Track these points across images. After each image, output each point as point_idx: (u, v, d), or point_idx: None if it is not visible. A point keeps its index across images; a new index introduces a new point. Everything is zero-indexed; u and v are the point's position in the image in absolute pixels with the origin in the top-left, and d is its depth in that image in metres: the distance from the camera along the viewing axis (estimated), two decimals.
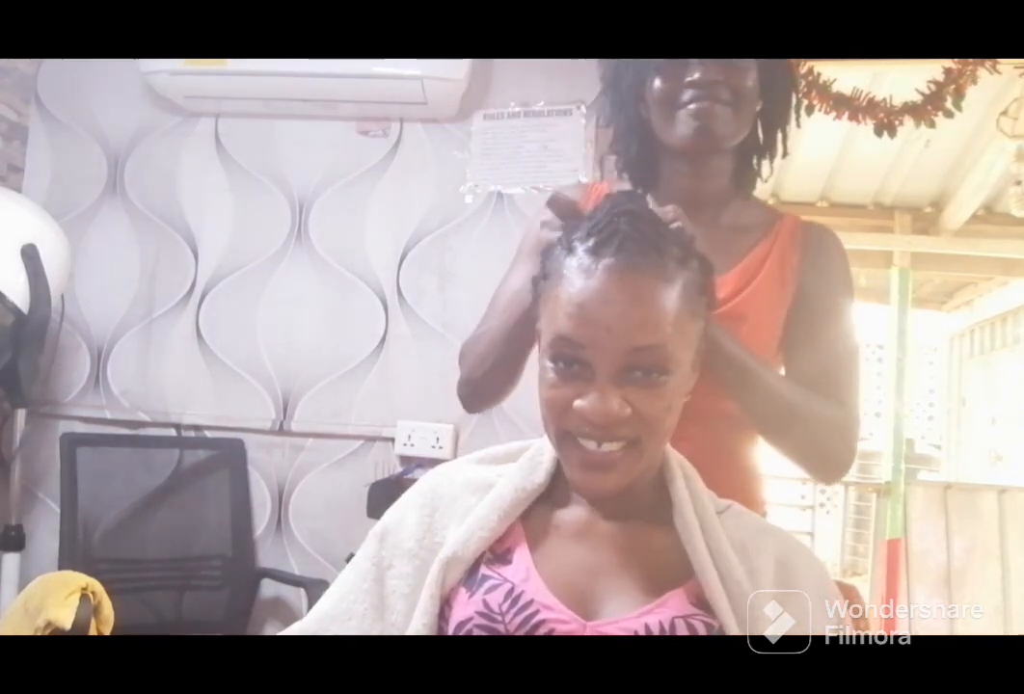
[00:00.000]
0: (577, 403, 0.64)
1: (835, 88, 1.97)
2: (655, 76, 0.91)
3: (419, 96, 1.85)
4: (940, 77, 1.94)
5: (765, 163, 1.00)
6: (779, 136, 0.99)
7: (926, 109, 1.95)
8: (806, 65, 1.93)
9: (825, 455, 0.91)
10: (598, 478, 0.66)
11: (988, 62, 1.85)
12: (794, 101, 0.99)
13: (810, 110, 1.97)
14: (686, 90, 0.89)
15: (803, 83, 1.94)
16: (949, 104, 1.94)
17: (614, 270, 0.64)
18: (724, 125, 0.90)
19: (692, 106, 0.89)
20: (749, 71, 0.90)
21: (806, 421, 0.88)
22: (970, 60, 1.85)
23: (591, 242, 0.66)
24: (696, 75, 0.88)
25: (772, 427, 0.91)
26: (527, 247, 0.99)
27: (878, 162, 3.62)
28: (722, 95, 0.88)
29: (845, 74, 2.01)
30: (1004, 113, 2.65)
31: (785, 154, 1.00)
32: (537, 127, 1.93)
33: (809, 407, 0.88)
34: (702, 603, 0.65)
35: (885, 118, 1.97)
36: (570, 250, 0.67)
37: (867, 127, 2.01)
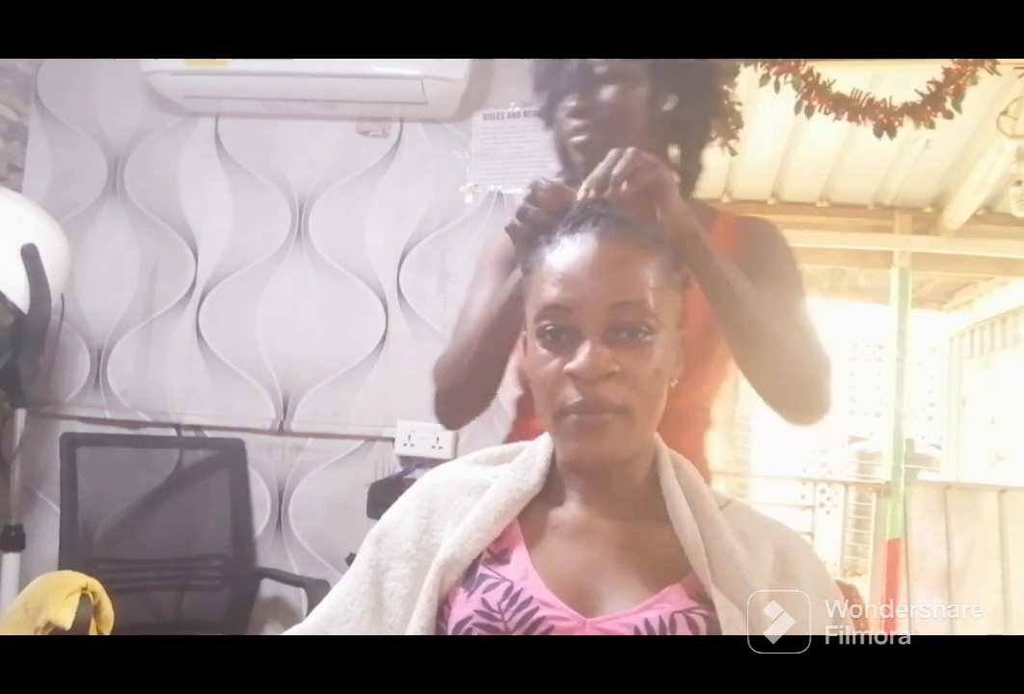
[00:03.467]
0: (568, 366, 0.65)
1: (835, 89, 1.97)
2: (556, 102, 0.93)
3: (419, 96, 1.85)
4: (940, 78, 1.94)
5: (700, 155, 0.99)
6: (705, 127, 0.98)
7: (925, 110, 1.95)
8: (806, 65, 1.93)
9: (802, 386, 0.88)
10: (593, 445, 0.66)
11: (988, 62, 1.85)
12: (719, 90, 0.98)
13: (810, 111, 1.97)
14: (568, 120, 0.91)
15: (803, 84, 1.94)
16: (949, 104, 1.94)
17: (593, 240, 0.68)
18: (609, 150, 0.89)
19: (574, 139, 0.91)
20: (633, 83, 0.89)
21: (780, 342, 0.86)
22: (970, 60, 1.85)
23: (569, 226, 0.70)
24: (571, 104, 0.89)
25: (749, 345, 0.87)
26: (488, 261, 1.01)
27: (878, 162, 3.62)
28: (598, 121, 0.89)
29: (845, 75, 2.01)
30: (1004, 113, 2.65)
31: (707, 142, 0.99)
32: (537, 127, 1.92)
33: (783, 329, 0.86)
34: (701, 596, 0.65)
35: (885, 119, 1.97)
36: (549, 241, 0.71)
37: (867, 128, 2.01)
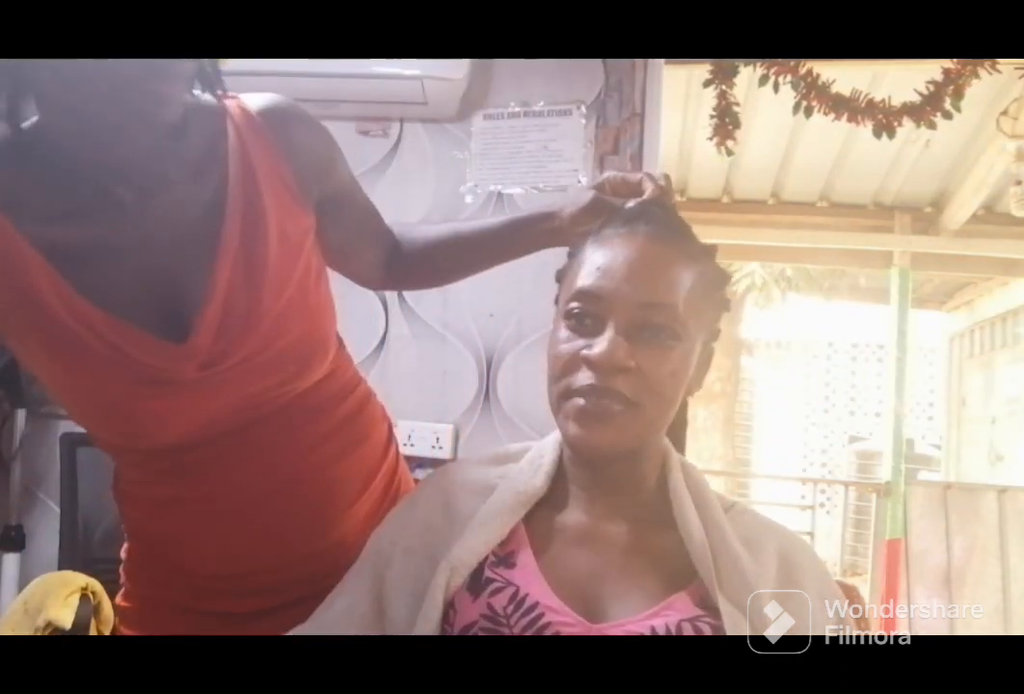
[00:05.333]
0: (584, 352, 0.66)
1: (834, 89, 1.97)
2: None
3: (419, 96, 1.85)
4: (939, 78, 1.94)
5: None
6: None
7: (925, 110, 1.95)
8: (805, 66, 1.93)
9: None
10: (594, 432, 0.66)
11: (988, 62, 1.85)
12: None
13: (808, 112, 1.97)
14: None
15: (802, 84, 1.94)
16: (948, 105, 1.94)
17: (641, 238, 0.69)
18: None
19: None
20: None
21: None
22: (969, 60, 1.85)
23: (620, 219, 0.72)
24: None
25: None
26: None
27: (878, 162, 3.63)
28: None
29: (844, 75, 2.01)
30: (1004, 113, 2.66)
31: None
32: (537, 127, 1.93)
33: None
34: (707, 604, 0.65)
35: (884, 119, 1.97)
36: (597, 233, 0.72)
37: (866, 128, 2.01)
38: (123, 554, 0.89)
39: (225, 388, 0.73)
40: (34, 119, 0.68)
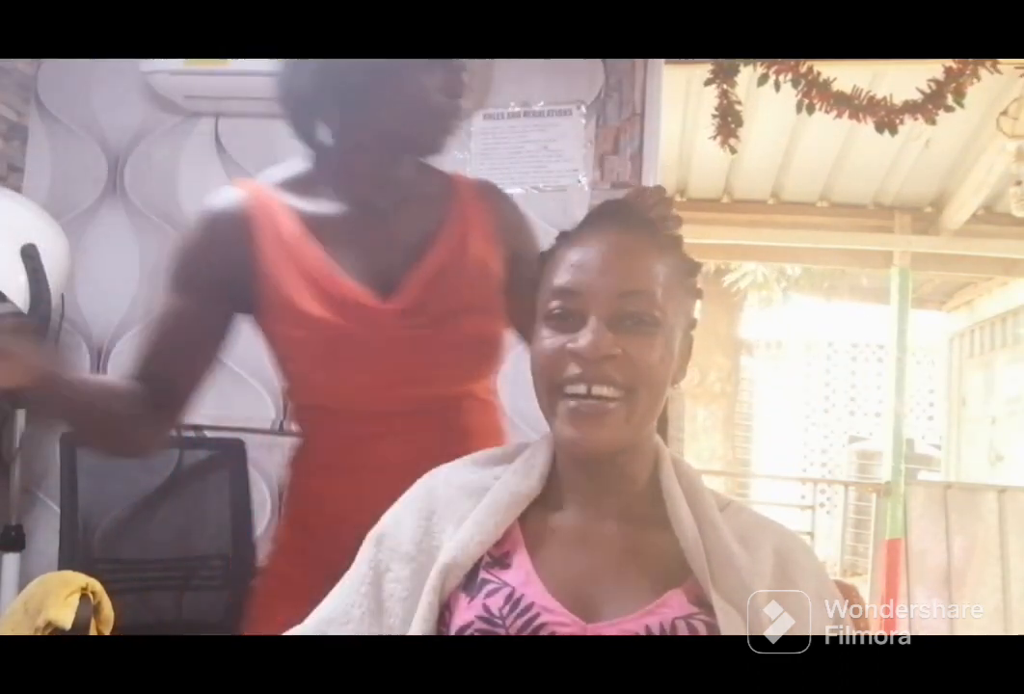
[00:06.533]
0: (569, 346, 0.67)
1: (835, 87, 1.97)
2: None
3: None
4: (940, 76, 1.95)
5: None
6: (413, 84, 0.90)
7: (927, 108, 1.96)
8: (806, 65, 1.93)
9: None
10: (590, 432, 0.66)
11: (988, 62, 1.85)
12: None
13: (810, 109, 1.97)
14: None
15: (803, 82, 1.94)
16: (950, 101, 1.94)
17: (610, 232, 0.70)
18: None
19: None
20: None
21: None
22: (970, 60, 1.85)
23: (589, 220, 0.73)
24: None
25: None
26: (184, 276, 0.98)
27: (878, 162, 3.63)
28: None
29: (845, 73, 2.01)
30: (1004, 113, 2.66)
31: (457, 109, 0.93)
32: (537, 127, 1.93)
33: None
34: (702, 602, 0.65)
35: (885, 116, 1.97)
36: (568, 235, 0.73)
37: (867, 127, 2.01)
38: (273, 541, 1.03)
39: (418, 348, 0.90)
40: (330, 132, 0.97)
